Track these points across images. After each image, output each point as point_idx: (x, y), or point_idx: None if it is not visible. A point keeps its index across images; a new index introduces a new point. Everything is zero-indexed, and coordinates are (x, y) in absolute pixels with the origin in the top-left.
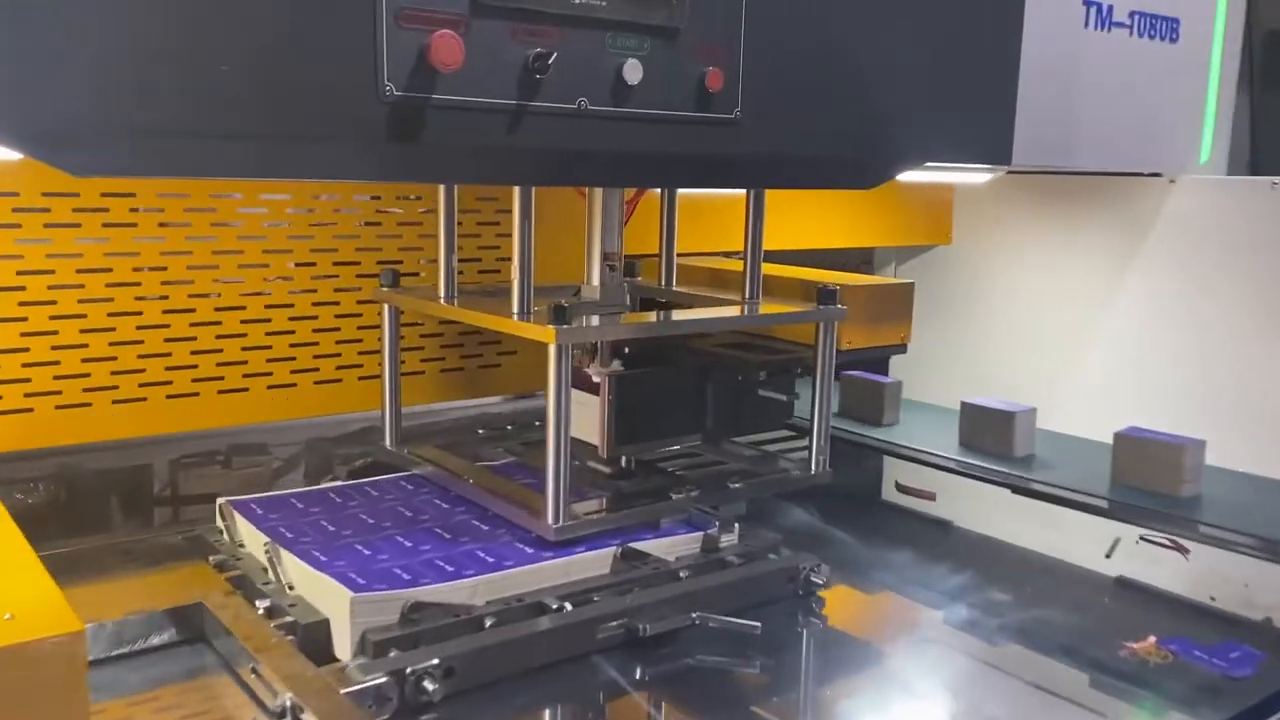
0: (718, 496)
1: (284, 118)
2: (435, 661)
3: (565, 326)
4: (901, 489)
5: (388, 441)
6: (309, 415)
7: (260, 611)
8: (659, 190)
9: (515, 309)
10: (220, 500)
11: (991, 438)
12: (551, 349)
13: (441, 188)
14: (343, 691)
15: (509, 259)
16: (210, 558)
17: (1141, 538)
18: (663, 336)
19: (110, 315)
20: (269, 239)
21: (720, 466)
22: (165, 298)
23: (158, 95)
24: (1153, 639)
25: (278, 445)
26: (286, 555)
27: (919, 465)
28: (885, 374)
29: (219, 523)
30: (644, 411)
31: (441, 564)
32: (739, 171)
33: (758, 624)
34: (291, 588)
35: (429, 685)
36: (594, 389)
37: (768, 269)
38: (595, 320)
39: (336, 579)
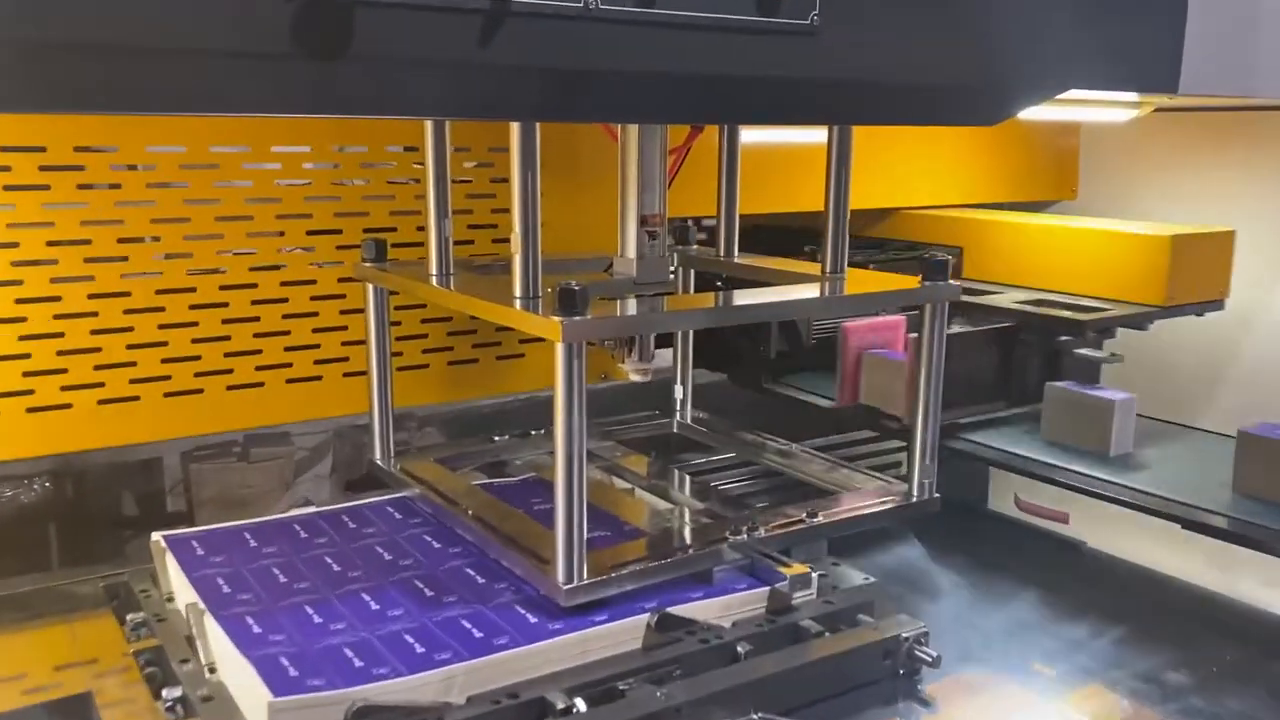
0: (791, 538)
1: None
2: None
3: (576, 319)
4: (1023, 507)
5: (376, 454)
6: (333, 414)
7: (164, 708)
8: (715, 132)
9: (517, 291)
10: (155, 536)
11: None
12: (559, 349)
13: (428, 132)
14: None
15: None
16: (128, 618)
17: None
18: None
19: (91, 298)
20: (283, 202)
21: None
22: (159, 274)
23: None
24: None
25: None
26: (210, 625)
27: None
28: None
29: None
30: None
31: (411, 640)
32: (816, 102)
33: None
34: (213, 670)
35: None
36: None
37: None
38: (631, 305)
39: (260, 669)
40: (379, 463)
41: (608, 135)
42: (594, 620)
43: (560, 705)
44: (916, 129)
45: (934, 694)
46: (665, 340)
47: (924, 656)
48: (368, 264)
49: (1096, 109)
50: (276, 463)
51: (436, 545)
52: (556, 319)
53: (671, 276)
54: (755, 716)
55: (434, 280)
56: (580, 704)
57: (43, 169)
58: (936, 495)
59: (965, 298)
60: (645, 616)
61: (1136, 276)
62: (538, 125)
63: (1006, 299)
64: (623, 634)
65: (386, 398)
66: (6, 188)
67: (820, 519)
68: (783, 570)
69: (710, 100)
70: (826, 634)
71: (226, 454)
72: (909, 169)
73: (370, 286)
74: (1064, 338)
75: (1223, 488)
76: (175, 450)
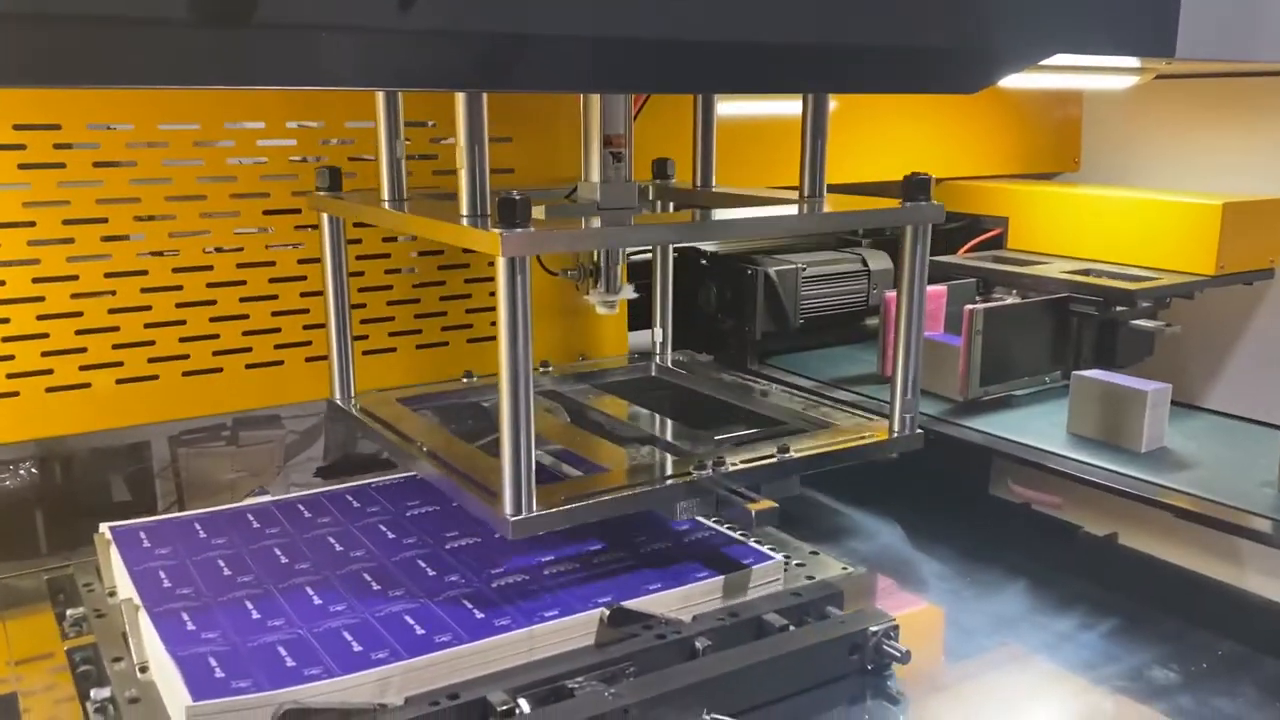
0: (760, 473)
1: None
2: None
3: (516, 231)
4: (1016, 494)
5: (335, 393)
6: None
7: (92, 709)
8: None
9: (464, 210)
10: (101, 527)
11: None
12: (500, 264)
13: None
14: None
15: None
16: (68, 613)
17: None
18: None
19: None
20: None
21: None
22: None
23: None
24: None
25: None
26: (144, 621)
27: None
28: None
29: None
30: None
31: (349, 638)
32: (785, 69)
33: None
34: (144, 669)
35: None
36: None
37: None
38: (595, 223)
39: (184, 669)
40: (338, 403)
41: None
42: (543, 615)
43: (502, 707)
44: (911, 100)
45: (908, 691)
46: (645, 321)
47: (893, 651)
48: (321, 192)
49: (1095, 76)
50: (266, 446)
51: (391, 536)
52: (496, 231)
53: (636, 200)
54: (707, 717)
55: (386, 205)
56: (524, 705)
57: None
58: (919, 431)
59: (1013, 268)
60: (598, 611)
61: (1187, 245)
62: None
63: (1054, 269)
64: (574, 629)
65: (345, 335)
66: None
67: (791, 454)
68: (749, 506)
69: (669, 67)
70: (791, 628)
71: (215, 438)
72: (902, 142)
73: (325, 216)
74: (1118, 308)
75: (1266, 488)
76: (163, 434)
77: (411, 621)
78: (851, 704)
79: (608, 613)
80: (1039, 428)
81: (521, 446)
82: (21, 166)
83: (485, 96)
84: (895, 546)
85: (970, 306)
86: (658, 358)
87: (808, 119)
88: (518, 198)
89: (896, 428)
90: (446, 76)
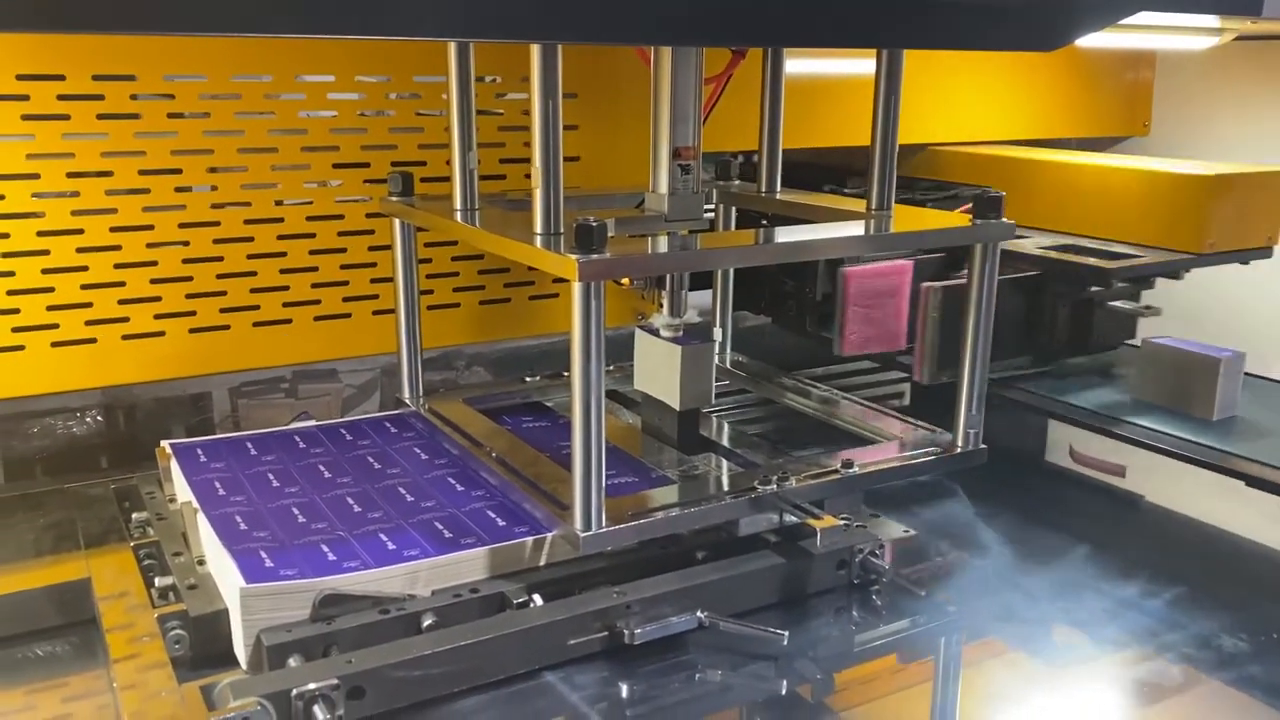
0: (824, 489)
1: None
2: (334, 681)
3: (592, 257)
4: (1078, 459)
5: (405, 393)
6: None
7: (155, 595)
8: (757, 59)
9: (538, 227)
10: (162, 443)
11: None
12: (576, 288)
13: (451, 59)
14: None
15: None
16: (133, 516)
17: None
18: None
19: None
20: (309, 133)
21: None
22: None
23: None
24: None
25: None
26: (201, 521)
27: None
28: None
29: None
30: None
31: (384, 539)
32: (862, 23)
33: (784, 633)
34: (202, 563)
35: (320, 714)
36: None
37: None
38: (657, 244)
39: (238, 560)
40: (408, 402)
41: (643, 62)
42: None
43: (518, 600)
44: (971, 56)
45: (970, 656)
46: (705, 281)
47: (878, 566)
48: (394, 198)
49: (1171, 36)
50: (324, 400)
51: (424, 457)
52: (572, 257)
53: (710, 215)
54: (701, 614)
55: (458, 215)
56: (536, 599)
57: (60, 97)
58: (983, 447)
59: None
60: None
61: (1171, 220)
62: (559, 49)
63: (1030, 244)
64: None
65: (415, 336)
66: (24, 116)
67: (855, 469)
68: (812, 523)
69: (747, 19)
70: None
71: (274, 390)
72: (961, 103)
73: (396, 221)
74: (1092, 289)
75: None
76: (224, 385)
77: (440, 527)
78: (837, 614)
79: None
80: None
81: (593, 464)
82: (100, 117)
83: (561, 113)
84: (956, 511)
85: (927, 284)
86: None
87: (881, 77)
88: (594, 224)
89: (960, 443)
90: (518, 26)
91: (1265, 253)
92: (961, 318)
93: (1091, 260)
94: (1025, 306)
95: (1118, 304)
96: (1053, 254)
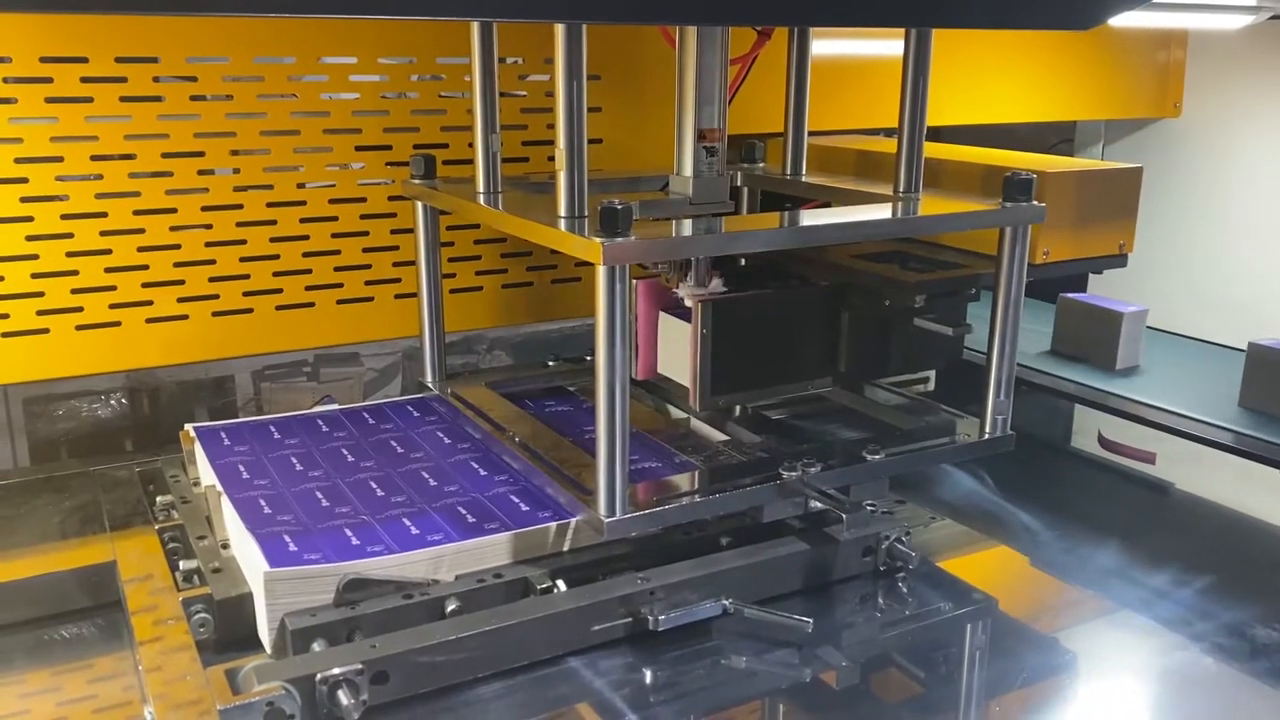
0: (849, 475)
1: None
2: (358, 666)
3: (617, 240)
4: (1107, 445)
5: (428, 376)
6: (387, 337)
7: (179, 578)
8: (783, 40)
9: (561, 210)
10: (186, 427)
11: None
12: (600, 271)
13: (474, 39)
14: (220, 709)
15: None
16: (158, 499)
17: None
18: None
19: (136, 213)
20: (331, 115)
21: (856, 423)
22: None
23: None
24: None
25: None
26: (225, 505)
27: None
28: (1084, 290)
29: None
30: (750, 348)
31: (408, 523)
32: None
33: (809, 620)
34: (226, 546)
35: (345, 698)
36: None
37: (934, 150)
38: (681, 227)
39: (262, 544)
40: (430, 386)
41: (667, 42)
42: (580, 511)
43: (541, 586)
44: (997, 36)
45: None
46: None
47: (905, 553)
48: (416, 181)
49: (1205, 15)
50: (345, 383)
51: (447, 441)
52: (597, 240)
53: (731, 200)
54: (726, 601)
55: (481, 198)
56: (560, 584)
57: (84, 80)
58: (1011, 433)
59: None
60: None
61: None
62: (584, 29)
63: (838, 252)
64: None
65: (438, 320)
66: (48, 99)
67: (881, 456)
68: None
69: None
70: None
71: (297, 373)
72: (989, 82)
73: (419, 205)
74: (888, 303)
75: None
76: (247, 368)
77: (464, 511)
78: (863, 602)
79: None
80: None
81: (617, 450)
82: (123, 99)
83: (586, 95)
84: (980, 496)
85: (696, 298)
86: None
87: (909, 58)
88: (619, 206)
89: (988, 429)
90: (542, 6)
91: (1119, 261)
92: (738, 337)
93: (895, 272)
94: (820, 323)
95: (924, 324)
96: (859, 263)
